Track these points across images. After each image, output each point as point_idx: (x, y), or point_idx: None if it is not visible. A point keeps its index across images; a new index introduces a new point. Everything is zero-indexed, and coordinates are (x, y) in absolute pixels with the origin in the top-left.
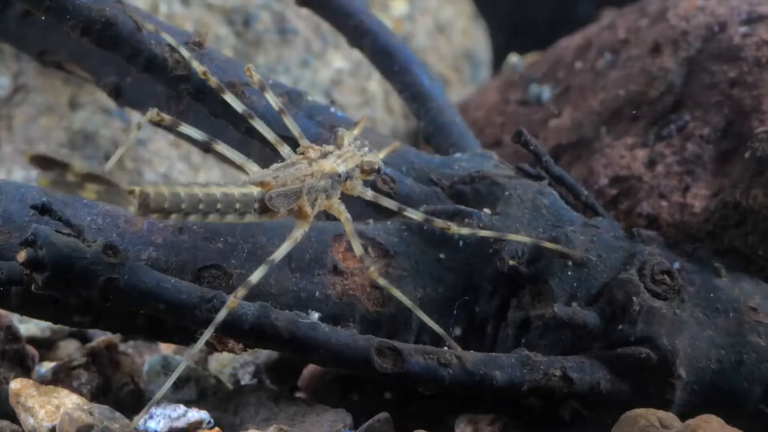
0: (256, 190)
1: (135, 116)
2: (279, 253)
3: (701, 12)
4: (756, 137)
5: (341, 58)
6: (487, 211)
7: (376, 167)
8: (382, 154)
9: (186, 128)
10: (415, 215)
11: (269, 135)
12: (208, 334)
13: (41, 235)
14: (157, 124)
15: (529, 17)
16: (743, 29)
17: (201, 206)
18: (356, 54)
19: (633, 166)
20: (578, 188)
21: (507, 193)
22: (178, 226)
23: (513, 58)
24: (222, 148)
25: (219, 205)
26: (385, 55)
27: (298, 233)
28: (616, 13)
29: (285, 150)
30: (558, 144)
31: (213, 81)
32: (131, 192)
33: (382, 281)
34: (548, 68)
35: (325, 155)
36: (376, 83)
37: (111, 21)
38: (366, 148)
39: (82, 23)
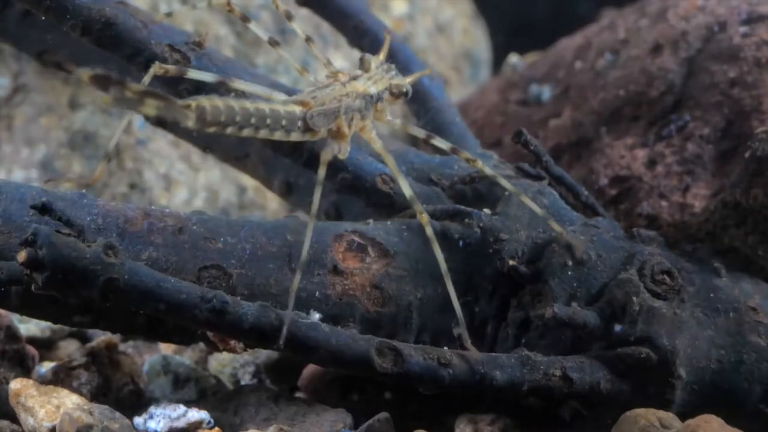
0: (298, 109)
1: (135, 116)
2: (320, 174)
3: (701, 12)
4: (756, 137)
5: (341, 58)
6: (487, 211)
7: (404, 90)
8: (409, 79)
9: (194, 73)
10: (443, 144)
11: (295, 62)
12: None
13: (41, 235)
14: (164, 77)
15: (529, 17)
16: (743, 29)
17: (253, 120)
18: (356, 54)
19: (633, 166)
20: (578, 188)
21: (507, 193)
22: (178, 226)
23: (513, 58)
24: (239, 84)
25: (268, 120)
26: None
27: (339, 150)
28: (616, 13)
29: (310, 77)
30: (558, 144)
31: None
32: (188, 106)
33: (429, 230)
34: (548, 68)
35: (354, 78)
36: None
37: (111, 21)
38: (393, 72)
39: (82, 23)
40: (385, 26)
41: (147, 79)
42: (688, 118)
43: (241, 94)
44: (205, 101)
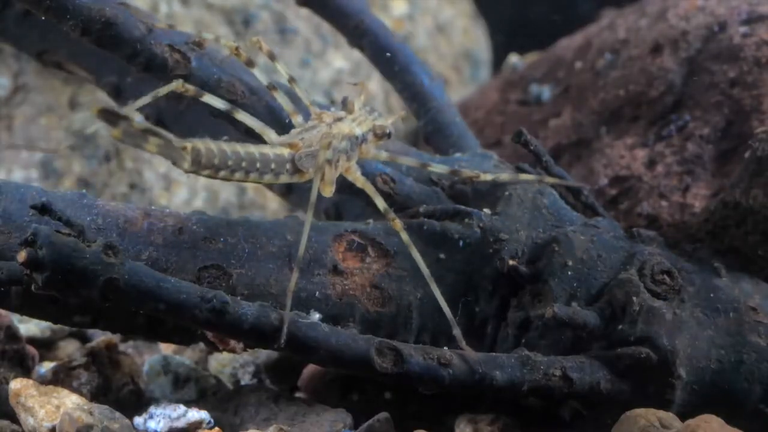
0: (286, 152)
1: (135, 116)
2: (305, 229)
3: (701, 12)
4: (756, 137)
5: (341, 58)
6: (487, 211)
7: (387, 131)
8: (390, 120)
9: (209, 98)
10: (439, 169)
11: (287, 106)
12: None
13: (41, 235)
14: (181, 95)
15: (529, 17)
16: (743, 29)
17: (244, 164)
18: (356, 54)
19: (633, 166)
20: (578, 188)
21: (507, 193)
22: (178, 226)
23: (513, 58)
24: (242, 116)
25: (258, 164)
26: (385, 55)
27: (327, 192)
28: (616, 13)
29: (299, 119)
30: (558, 144)
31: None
32: (184, 148)
33: (404, 236)
34: (548, 68)
35: (339, 120)
36: (376, 83)
37: (111, 21)
38: (376, 113)
39: (82, 23)
40: (385, 28)
41: (164, 91)
42: (688, 118)
43: (234, 134)
44: (200, 144)
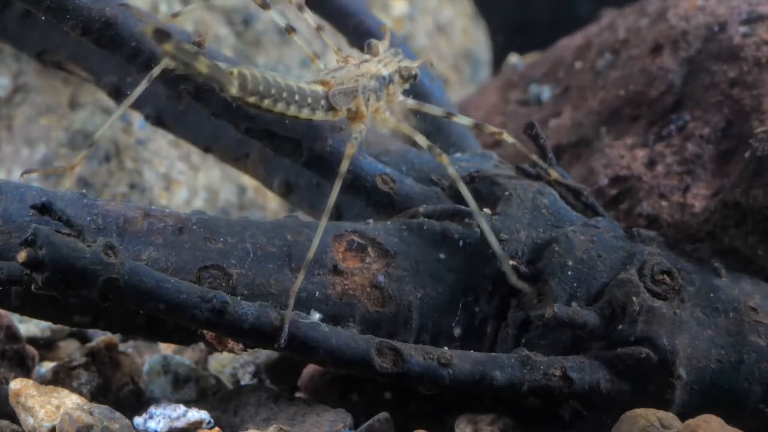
0: (320, 88)
1: (135, 116)
2: (343, 166)
3: (701, 12)
4: (756, 137)
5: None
6: (487, 211)
7: (413, 72)
8: (416, 63)
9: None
10: (464, 121)
11: (307, 49)
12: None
13: (41, 235)
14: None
15: (529, 17)
16: (743, 29)
17: (285, 95)
18: (356, 54)
19: (633, 166)
20: (579, 188)
21: (507, 193)
22: (178, 226)
23: (513, 58)
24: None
25: (297, 97)
26: None
27: (358, 131)
28: (616, 13)
29: (321, 64)
30: (558, 144)
31: None
32: (231, 73)
33: (451, 170)
34: (548, 68)
35: (365, 61)
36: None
37: (111, 21)
38: (401, 55)
39: (82, 23)
40: (383, 23)
41: (156, 71)
42: (688, 118)
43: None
44: (246, 70)
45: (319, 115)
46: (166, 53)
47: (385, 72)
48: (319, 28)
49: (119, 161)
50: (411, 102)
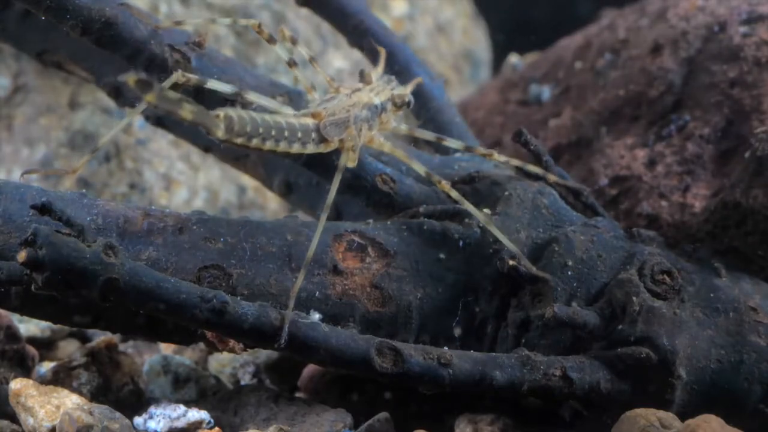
0: (311, 121)
1: (135, 116)
2: (330, 196)
3: (701, 12)
4: (756, 137)
5: (341, 58)
6: (487, 211)
7: (407, 100)
8: (408, 89)
9: (213, 83)
10: (455, 144)
11: (304, 81)
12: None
13: (41, 235)
14: (184, 85)
15: (529, 17)
16: (743, 29)
17: (273, 132)
18: (356, 54)
19: (633, 166)
20: (578, 188)
21: (507, 193)
22: (178, 226)
23: (513, 58)
24: (252, 96)
25: (286, 133)
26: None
27: (345, 161)
28: (616, 13)
29: (315, 95)
30: (558, 144)
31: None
32: (217, 116)
33: (454, 194)
34: (548, 68)
35: (357, 90)
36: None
37: (111, 21)
38: (394, 83)
39: (82, 23)
40: (385, 28)
41: (167, 84)
42: (688, 118)
43: (250, 107)
44: (232, 112)
45: (311, 149)
46: (148, 103)
47: (377, 101)
48: (311, 60)
49: (119, 161)
50: (404, 127)
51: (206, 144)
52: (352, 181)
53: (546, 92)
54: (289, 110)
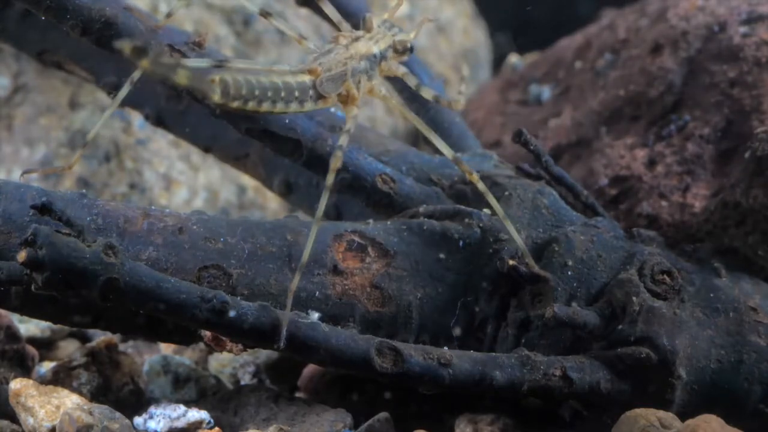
0: (307, 78)
1: (135, 116)
2: (343, 139)
3: (701, 12)
4: (756, 137)
5: None
6: (487, 211)
7: (409, 45)
8: (412, 34)
9: (192, 61)
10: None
11: (290, 32)
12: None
13: (41, 235)
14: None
15: (529, 17)
16: (743, 29)
17: (270, 93)
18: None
19: (633, 166)
20: (578, 188)
21: (507, 193)
22: (178, 226)
23: (513, 58)
24: (240, 63)
25: (283, 93)
26: None
27: (352, 114)
28: (616, 13)
29: (310, 44)
30: (558, 144)
31: None
32: (213, 80)
33: (480, 185)
34: (548, 68)
35: (356, 39)
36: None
37: (111, 21)
38: (396, 29)
39: (82, 23)
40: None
41: (136, 75)
42: (688, 118)
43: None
44: (228, 75)
45: (309, 106)
46: (143, 67)
47: (376, 50)
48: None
49: (119, 161)
50: (403, 69)
51: (206, 144)
52: (352, 181)
53: (546, 92)
54: (284, 67)
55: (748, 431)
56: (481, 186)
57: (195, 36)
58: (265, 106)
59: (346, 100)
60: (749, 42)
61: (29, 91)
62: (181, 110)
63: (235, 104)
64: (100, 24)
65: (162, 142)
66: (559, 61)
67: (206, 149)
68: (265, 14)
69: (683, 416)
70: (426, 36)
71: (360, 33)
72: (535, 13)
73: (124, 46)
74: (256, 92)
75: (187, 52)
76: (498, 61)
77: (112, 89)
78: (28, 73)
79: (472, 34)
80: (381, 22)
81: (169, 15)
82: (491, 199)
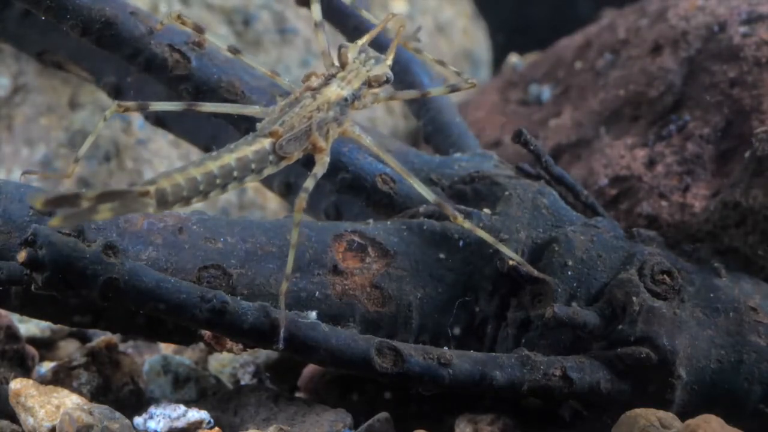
0: (267, 142)
1: (135, 116)
2: (309, 182)
3: (701, 12)
4: (756, 137)
5: None
6: (487, 211)
7: (385, 78)
8: (388, 61)
9: (157, 105)
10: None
11: (262, 67)
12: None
13: (41, 235)
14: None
15: (529, 17)
16: (743, 29)
17: (218, 181)
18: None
19: (633, 166)
20: (578, 188)
21: (507, 193)
22: (178, 226)
23: (513, 58)
24: (209, 106)
25: (235, 173)
26: None
27: (321, 162)
28: (616, 13)
29: (285, 80)
30: (558, 144)
31: None
32: (146, 193)
33: (467, 224)
34: (548, 68)
35: (328, 80)
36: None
37: (111, 21)
38: (372, 60)
39: (82, 23)
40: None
41: (104, 121)
42: (688, 118)
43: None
44: (164, 182)
45: (269, 171)
46: (54, 226)
47: (347, 92)
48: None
49: (119, 161)
50: (383, 97)
51: (206, 144)
52: (352, 181)
53: (546, 92)
54: (252, 109)
55: (748, 431)
56: (467, 225)
57: (195, 36)
58: (214, 195)
59: (314, 151)
60: (749, 42)
61: (29, 91)
62: (181, 111)
63: (179, 206)
64: (100, 24)
65: (162, 142)
66: (559, 61)
67: (206, 149)
68: (234, 51)
69: (683, 416)
70: (426, 36)
71: (334, 70)
72: (535, 13)
73: (36, 202)
74: (201, 187)
75: (187, 51)
76: (498, 61)
77: (112, 89)
78: (28, 73)
79: (472, 34)
80: (356, 53)
81: (162, 23)
82: (480, 232)
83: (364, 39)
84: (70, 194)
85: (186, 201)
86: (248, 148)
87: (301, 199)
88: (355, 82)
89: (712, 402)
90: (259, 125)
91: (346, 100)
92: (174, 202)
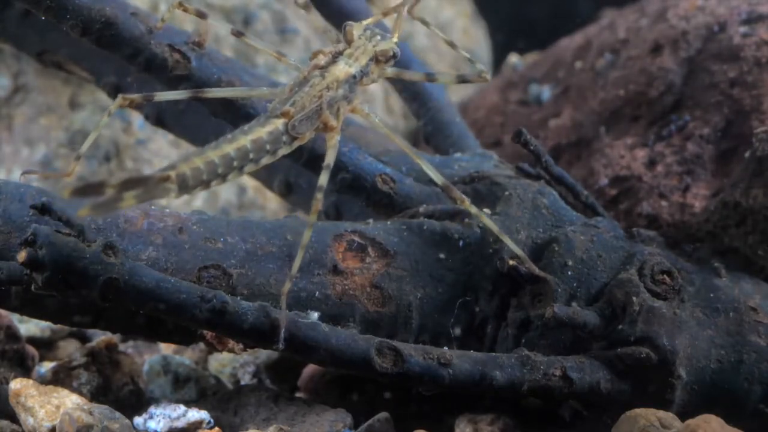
0: (279, 123)
1: (135, 116)
2: (323, 178)
3: (701, 12)
4: (756, 137)
5: None
6: (487, 210)
7: (392, 53)
8: (394, 38)
9: (162, 95)
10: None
11: (270, 48)
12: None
13: (41, 235)
14: (130, 106)
15: (529, 17)
16: (743, 29)
17: (235, 163)
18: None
19: (633, 166)
20: (578, 188)
21: (507, 193)
22: (178, 226)
23: (513, 58)
24: (215, 92)
25: (251, 155)
26: None
27: (333, 143)
28: (616, 13)
29: (291, 60)
30: (558, 144)
31: None
32: (167, 178)
33: (473, 209)
34: (548, 68)
35: (335, 58)
36: (375, 83)
37: (111, 21)
38: (378, 37)
39: (82, 23)
40: (385, 27)
41: (108, 116)
42: (688, 118)
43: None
44: (184, 166)
45: (284, 151)
46: (84, 215)
47: (355, 69)
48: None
49: (119, 161)
50: (390, 72)
51: (206, 144)
52: (352, 182)
53: (546, 92)
54: (264, 90)
55: (748, 431)
56: (474, 210)
57: (195, 36)
58: (232, 177)
59: (325, 129)
60: (749, 42)
61: (29, 91)
62: (181, 110)
63: (199, 189)
64: (100, 24)
65: (162, 142)
66: (559, 61)
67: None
68: (238, 34)
69: (683, 416)
70: (426, 36)
71: (341, 47)
72: (535, 13)
73: (64, 192)
74: (219, 170)
75: (187, 51)
76: (498, 61)
77: (112, 89)
78: (28, 73)
79: (472, 34)
80: (362, 30)
81: (163, 20)
82: (486, 220)
83: (370, 20)
84: (96, 183)
85: (206, 185)
86: (262, 129)
87: (317, 201)
88: (362, 59)
89: (712, 402)
90: (269, 106)
91: (354, 77)
92: (194, 186)
